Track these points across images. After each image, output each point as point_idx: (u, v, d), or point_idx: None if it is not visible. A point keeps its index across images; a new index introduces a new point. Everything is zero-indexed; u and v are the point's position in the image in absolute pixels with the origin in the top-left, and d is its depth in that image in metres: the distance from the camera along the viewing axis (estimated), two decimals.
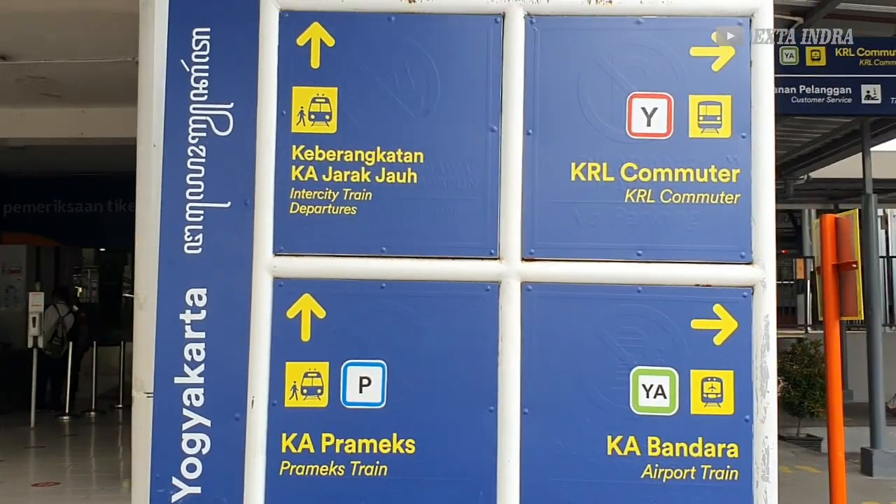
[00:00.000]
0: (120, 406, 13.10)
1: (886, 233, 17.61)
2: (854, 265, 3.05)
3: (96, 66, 8.75)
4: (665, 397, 2.25)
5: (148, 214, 2.74)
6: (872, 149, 8.96)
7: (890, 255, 16.50)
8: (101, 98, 10.79)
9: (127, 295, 24.87)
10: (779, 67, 6.24)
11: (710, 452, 2.23)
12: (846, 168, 10.21)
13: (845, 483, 3.05)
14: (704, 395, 2.25)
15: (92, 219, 15.83)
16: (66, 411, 12.21)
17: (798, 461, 8.31)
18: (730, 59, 2.33)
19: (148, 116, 2.74)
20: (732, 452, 2.23)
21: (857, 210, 3.32)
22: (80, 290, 21.36)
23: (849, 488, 7.28)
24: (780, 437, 7.38)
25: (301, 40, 2.35)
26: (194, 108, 2.37)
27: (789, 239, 18.55)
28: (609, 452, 2.25)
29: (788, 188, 11.47)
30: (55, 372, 12.62)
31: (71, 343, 12.94)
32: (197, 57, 2.37)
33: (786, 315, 12.92)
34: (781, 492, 6.10)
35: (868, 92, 6.30)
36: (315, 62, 2.35)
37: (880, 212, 17.18)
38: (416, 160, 2.34)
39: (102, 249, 22.45)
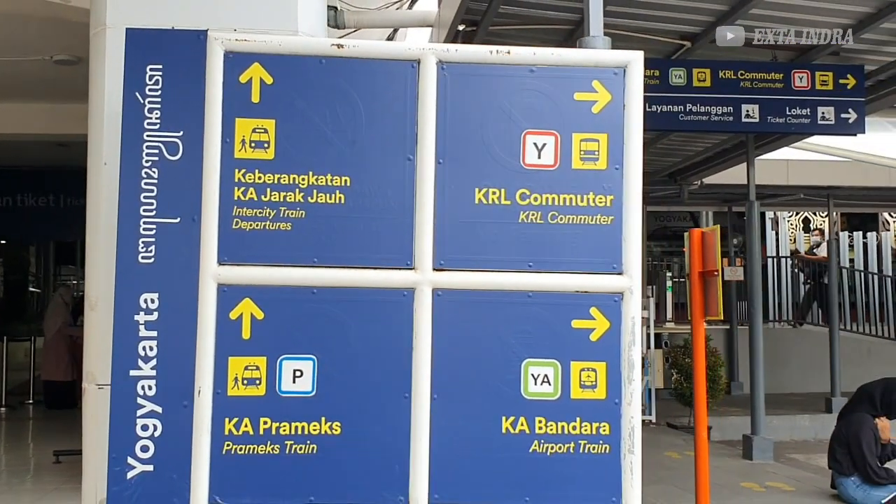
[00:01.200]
0: (30, 402, 13.02)
1: (777, 234, 18.70)
2: (715, 273, 3.57)
3: (12, 63, 8.77)
4: (550, 384, 2.70)
5: (98, 226, 3.05)
6: (765, 156, 9.72)
7: (780, 255, 17.54)
8: (16, 94, 10.74)
9: (33, 289, 24.28)
10: (668, 87, 6.82)
11: (586, 430, 2.69)
12: (739, 174, 10.98)
13: (707, 458, 3.55)
14: (582, 383, 2.70)
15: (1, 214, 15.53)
16: None
17: (687, 447, 8.96)
18: (607, 103, 2.79)
19: (98, 138, 3.04)
20: (605, 430, 2.69)
21: (719, 226, 3.86)
22: None
23: (730, 471, 7.99)
24: (671, 426, 8.06)
25: (243, 78, 2.70)
26: (148, 136, 2.70)
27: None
28: (504, 431, 2.68)
29: (683, 193, 12.21)
30: None
31: None
32: (150, 90, 2.70)
33: (681, 311, 13.70)
34: (670, 475, 6.71)
35: (748, 111, 6.94)
36: (255, 97, 2.70)
37: (771, 214, 18.29)
38: (343, 184, 2.72)
39: (3, 242, 21.85)
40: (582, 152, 2.76)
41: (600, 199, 2.75)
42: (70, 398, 12.58)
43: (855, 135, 7.26)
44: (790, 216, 19.50)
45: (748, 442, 8.87)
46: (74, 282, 25.08)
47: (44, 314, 18.12)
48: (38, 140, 12.16)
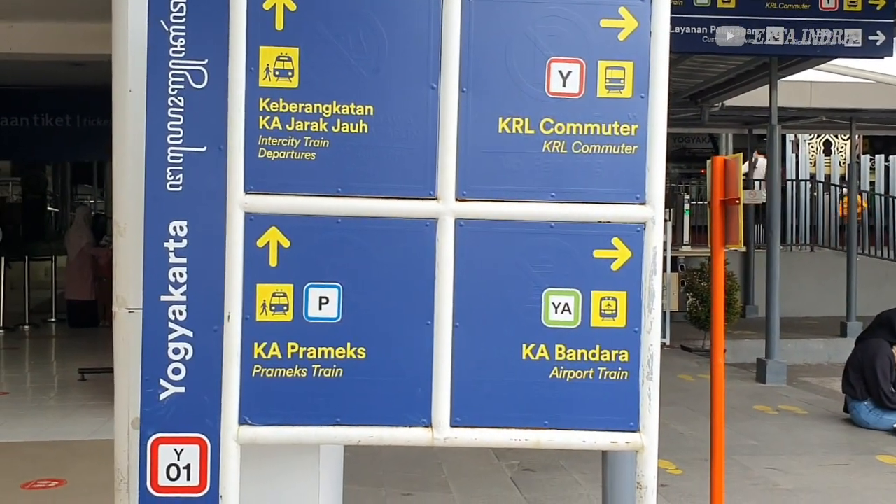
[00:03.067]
0: (52, 320, 13.33)
1: (797, 157, 18.50)
2: (737, 201, 3.56)
3: None
4: (570, 313, 2.74)
5: (124, 153, 3.07)
6: (787, 78, 9.57)
7: (800, 178, 17.39)
8: (29, 14, 10.64)
9: (51, 209, 24.55)
10: (692, 8, 6.70)
11: (605, 357, 2.74)
12: (761, 96, 10.83)
13: (724, 384, 3.61)
14: (602, 311, 2.74)
15: (17, 132, 15.62)
16: (2, 325, 12.37)
17: (700, 371, 9.11)
18: (633, 30, 2.75)
19: (123, 65, 3.04)
20: (624, 357, 2.74)
21: (742, 153, 3.84)
22: None
23: (743, 394, 8.13)
24: (685, 349, 8.22)
25: (267, 5, 2.67)
26: (173, 64, 2.70)
27: (708, 159, 19.32)
28: (524, 357, 2.73)
29: (704, 115, 12.08)
30: None
31: (3, 258, 13.01)
32: (175, 18, 2.69)
33: (698, 234, 13.70)
34: (684, 397, 6.89)
35: (773, 34, 6.82)
36: (279, 25, 2.68)
37: (791, 137, 18.08)
38: (367, 113, 2.72)
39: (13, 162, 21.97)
40: (607, 80, 2.74)
41: (625, 128, 2.74)
42: (93, 317, 12.86)
43: (882, 57, 7.13)
44: (811, 139, 19.27)
45: (762, 365, 8.99)
46: (91, 201, 25.24)
47: (64, 234, 18.28)
48: (53, 60, 12.09)
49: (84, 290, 12.71)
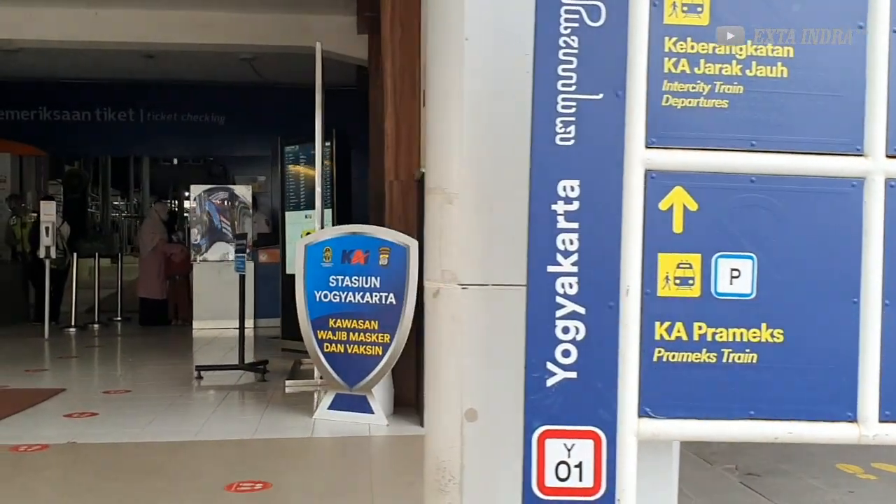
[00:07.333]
0: (118, 319, 12.97)
1: None
2: None
3: None
4: None
5: (457, 110, 2.69)
6: None
7: None
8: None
9: (91, 210, 24.28)
10: None
11: None
12: None
13: None
14: None
15: (79, 128, 15.35)
16: (73, 323, 12.03)
17: None
18: None
19: (458, 9, 2.66)
20: None
21: None
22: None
23: None
24: None
25: None
26: None
27: None
28: None
29: None
30: (53, 283, 12.34)
31: (75, 254, 12.69)
32: None
33: None
34: None
35: None
36: None
37: None
38: (786, 54, 2.34)
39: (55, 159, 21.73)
40: None
41: None
42: (163, 316, 12.48)
43: None
44: None
45: None
46: (135, 201, 24.83)
47: (104, 234, 17.82)
48: (131, 49, 11.82)
49: (156, 289, 12.37)
